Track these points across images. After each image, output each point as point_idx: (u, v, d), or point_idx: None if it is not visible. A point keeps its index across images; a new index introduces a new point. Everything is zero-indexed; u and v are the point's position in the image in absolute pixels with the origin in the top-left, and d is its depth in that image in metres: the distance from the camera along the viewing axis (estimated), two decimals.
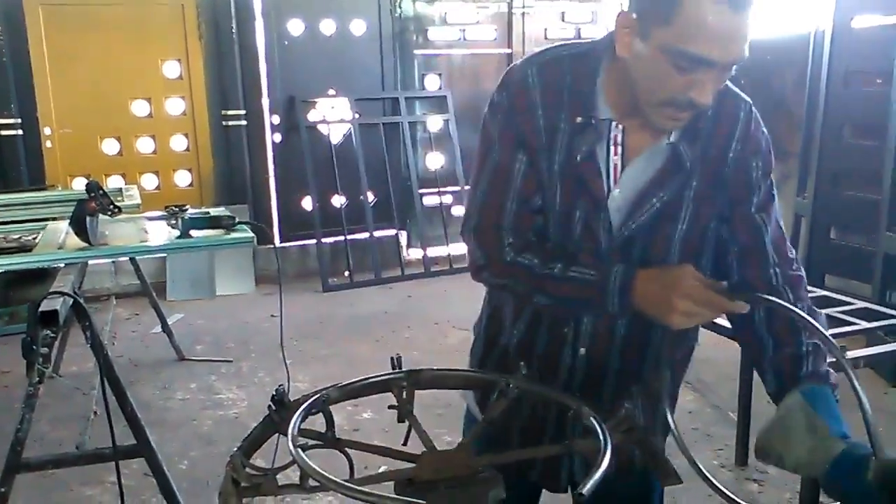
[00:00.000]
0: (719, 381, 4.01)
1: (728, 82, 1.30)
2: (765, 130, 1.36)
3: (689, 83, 1.17)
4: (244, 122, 6.28)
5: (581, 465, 1.46)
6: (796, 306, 1.26)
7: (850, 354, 2.55)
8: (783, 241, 1.36)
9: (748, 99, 1.35)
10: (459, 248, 6.62)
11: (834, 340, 2.12)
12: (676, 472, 1.20)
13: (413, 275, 6.46)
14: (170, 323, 4.70)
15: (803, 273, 1.37)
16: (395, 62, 6.59)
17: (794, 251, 1.38)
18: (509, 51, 6.80)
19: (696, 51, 1.13)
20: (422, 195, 6.70)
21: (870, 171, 4.65)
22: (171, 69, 6.15)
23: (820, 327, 1.19)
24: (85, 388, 3.97)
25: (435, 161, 6.83)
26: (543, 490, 1.59)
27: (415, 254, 6.75)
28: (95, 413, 3.68)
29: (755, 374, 1.69)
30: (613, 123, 1.30)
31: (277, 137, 6.34)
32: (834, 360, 2.45)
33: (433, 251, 6.65)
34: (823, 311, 1.38)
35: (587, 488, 0.97)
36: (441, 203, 6.75)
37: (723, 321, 2.08)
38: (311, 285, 6.20)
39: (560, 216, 1.34)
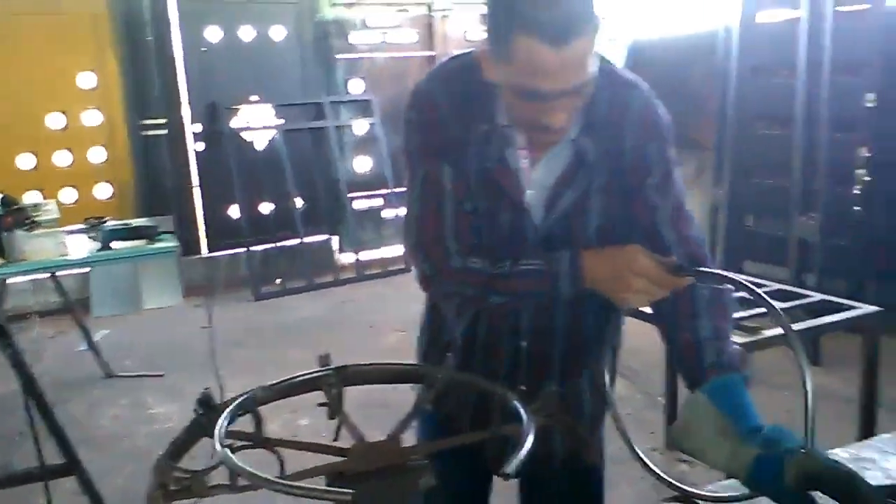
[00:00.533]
0: (646, 368, 4.12)
1: (623, 70, 1.35)
2: (660, 112, 1.37)
3: (540, 109, 1.22)
4: (164, 132, 6.15)
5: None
6: (700, 287, 1.31)
7: (768, 333, 2.63)
8: (684, 223, 1.38)
9: (641, 84, 1.37)
10: (392, 251, 6.63)
11: (750, 323, 2.17)
12: (597, 450, 1.24)
13: (347, 279, 6.45)
14: (96, 339, 4.58)
15: (706, 252, 1.39)
16: (318, 67, 6.56)
17: (694, 231, 1.39)
18: (432, 53, 6.85)
19: (531, 85, 1.18)
20: (351, 199, 6.68)
21: (780, 160, 4.85)
22: (86, 80, 5.99)
23: (768, 299, 1.21)
24: (10, 409, 3.84)
25: (363, 165, 6.83)
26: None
27: (347, 258, 6.73)
28: (22, 434, 3.56)
29: None
30: (515, 129, 1.33)
31: (200, 146, 6.24)
32: (744, 340, 2.50)
33: (366, 255, 6.64)
34: (740, 294, 1.41)
35: (511, 467, 1.01)
36: (371, 206, 6.75)
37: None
38: (242, 294, 6.13)
39: (486, 218, 1.36)
